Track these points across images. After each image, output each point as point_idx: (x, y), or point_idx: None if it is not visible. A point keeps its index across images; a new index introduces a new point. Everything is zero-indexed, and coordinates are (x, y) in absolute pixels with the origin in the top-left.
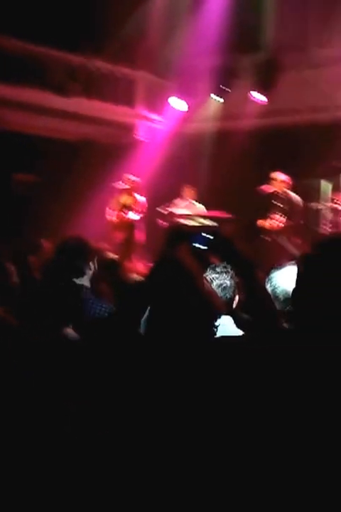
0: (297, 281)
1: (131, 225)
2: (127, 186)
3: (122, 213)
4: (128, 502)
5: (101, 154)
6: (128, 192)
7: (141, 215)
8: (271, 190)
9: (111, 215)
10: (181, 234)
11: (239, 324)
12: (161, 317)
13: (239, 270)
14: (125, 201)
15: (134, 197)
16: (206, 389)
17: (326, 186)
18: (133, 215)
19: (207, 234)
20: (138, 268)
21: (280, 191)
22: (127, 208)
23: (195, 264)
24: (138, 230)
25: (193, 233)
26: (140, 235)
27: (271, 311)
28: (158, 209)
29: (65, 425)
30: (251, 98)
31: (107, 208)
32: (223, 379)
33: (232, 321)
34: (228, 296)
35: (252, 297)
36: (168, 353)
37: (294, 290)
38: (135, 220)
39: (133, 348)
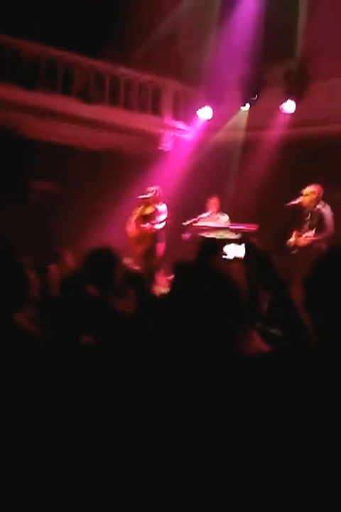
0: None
1: (151, 236)
2: (147, 196)
3: (142, 225)
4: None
5: (125, 164)
6: (148, 202)
7: (162, 226)
8: (298, 203)
9: (131, 227)
10: (214, 245)
11: (266, 338)
12: (193, 326)
13: (271, 285)
14: (144, 212)
15: (154, 207)
16: (232, 402)
17: None
18: (153, 226)
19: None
20: (160, 280)
21: (308, 204)
22: (147, 219)
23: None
24: (159, 241)
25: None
26: (160, 247)
27: (300, 327)
28: (183, 223)
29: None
30: (281, 108)
31: (128, 222)
32: (250, 392)
33: None
34: None
35: (282, 313)
36: (195, 361)
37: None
38: (155, 232)
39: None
